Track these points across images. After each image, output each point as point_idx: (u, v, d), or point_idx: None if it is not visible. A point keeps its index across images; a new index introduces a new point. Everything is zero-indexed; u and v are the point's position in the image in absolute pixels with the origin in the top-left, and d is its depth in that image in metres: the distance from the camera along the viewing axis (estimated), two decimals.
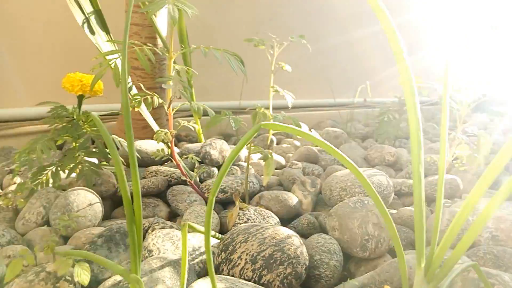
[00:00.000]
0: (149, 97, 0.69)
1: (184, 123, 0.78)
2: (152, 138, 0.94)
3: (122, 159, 0.74)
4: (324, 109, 1.77)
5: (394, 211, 0.73)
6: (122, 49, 0.38)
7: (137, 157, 0.84)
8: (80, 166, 0.69)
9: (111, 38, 0.80)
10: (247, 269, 0.48)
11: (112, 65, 0.65)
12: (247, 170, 0.75)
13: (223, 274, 0.49)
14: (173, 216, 0.73)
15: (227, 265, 0.49)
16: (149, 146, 0.90)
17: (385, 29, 0.32)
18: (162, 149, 0.75)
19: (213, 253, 0.53)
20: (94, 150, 0.72)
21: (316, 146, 1.27)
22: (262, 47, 1.19)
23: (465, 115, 0.89)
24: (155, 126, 0.86)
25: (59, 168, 0.70)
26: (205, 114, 0.76)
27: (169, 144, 0.74)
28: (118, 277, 0.45)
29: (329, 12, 1.77)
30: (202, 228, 0.51)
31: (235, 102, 1.50)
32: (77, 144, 0.70)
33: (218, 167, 0.89)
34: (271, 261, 0.48)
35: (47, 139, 0.69)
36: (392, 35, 0.32)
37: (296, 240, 0.51)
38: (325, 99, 1.76)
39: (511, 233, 0.56)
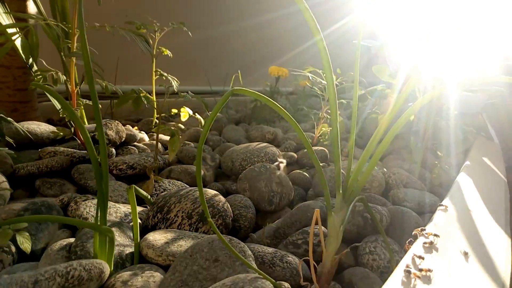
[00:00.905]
0: (53, 73, 0.66)
1: (86, 102, 0.77)
2: (22, 120, 0.88)
3: (11, 140, 0.70)
4: (202, 96, 1.85)
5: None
6: (82, 38, 0.40)
7: (30, 138, 0.79)
8: None
9: (7, 9, 0.73)
10: (184, 224, 0.54)
11: (16, 38, 0.61)
12: (156, 146, 0.79)
13: None
14: (82, 193, 0.72)
15: (164, 223, 0.54)
16: (35, 127, 0.84)
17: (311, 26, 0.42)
18: (63, 129, 0.73)
19: (146, 217, 0.57)
20: None
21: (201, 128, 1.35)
22: (144, 31, 1.21)
23: (326, 99, 1.10)
24: (57, 105, 0.81)
25: None
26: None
27: (72, 123, 0.73)
28: (64, 241, 0.47)
29: (211, 4, 1.86)
30: (143, 192, 0.55)
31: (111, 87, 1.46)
32: None
33: (116, 147, 0.90)
34: (205, 215, 0.55)
35: None
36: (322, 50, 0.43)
37: (221, 197, 0.60)
38: (202, 87, 1.84)
39: (373, 183, 0.76)
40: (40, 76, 0.63)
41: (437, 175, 0.90)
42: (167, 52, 1.23)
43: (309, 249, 0.41)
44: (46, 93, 0.83)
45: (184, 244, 0.46)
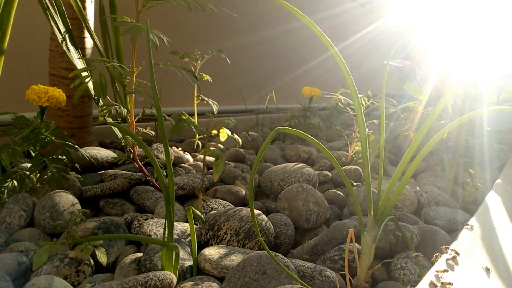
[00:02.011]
0: (116, 107, 0.77)
1: (143, 129, 0.87)
2: (79, 144, 0.99)
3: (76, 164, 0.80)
4: (237, 115, 1.95)
5: (323, 193, 0.93)
6: (151, 76, 0.49)
7: (92, 162, 0.90)
8: (49, 172, 0.74)
9: (81, 55, 0.85)
10: (233, 240, 0.61)
11: (88, 81, 0.72)
12: (203, 168, 0.88)
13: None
14: (140, 212, 0.81)
15: (215, 240, 0.62)
16: (96, 152, 0.95)
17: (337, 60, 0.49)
18: (122, 154, 0.83)
19: (199, 234, 0.65)
20: (59, 157, 0.77)
21: (242, 148, 1.43)
22: (186, 59, 1.32)
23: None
24: (118, 133, 0.91)
25: (23, 174, 0.73)
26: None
27: (131, 149, 0.83)
28: (133, 256, 0.55)
29: (244, 26, 1.96)
30: (198, 212, 0.63)
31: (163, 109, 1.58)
32: (37, 152, 0.74)
33: (165, 169, 0.99)
34: (250, 233, 0.62)
35: (11, 147, 0.72)
36: (342, 65, 0.49)
37: (264, 217, 0.67)
38: (238, 106, 1.94)
39: (405, 202, 0.80)
40: (106, 111, 0.73)
41: (470, 192, 0.93)
42: (207, 77, 1.33)
43: (345, 264, 0.47)
44: (112, 127, 0.93)
45: (235, 259, 0.53)
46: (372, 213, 0.49)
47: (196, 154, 1.26)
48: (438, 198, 0.89)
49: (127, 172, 0.88)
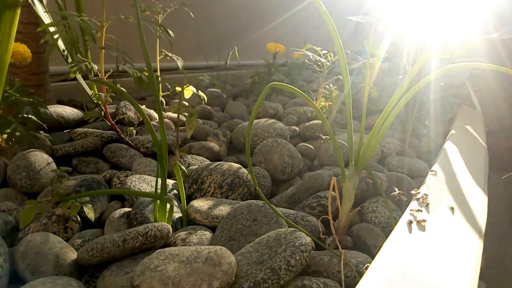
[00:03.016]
0: (87, 63, 0.73)
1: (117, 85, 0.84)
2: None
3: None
4: (198, 71, 1.92)
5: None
6: (139, 30, 0.47)
7: (59, 121, 0.86)
8: (17, 132, 0.70)
9: (46, 9, 0.79)
10: (217, 193, 0.64)
11: (58, 36, 0.67)
12: (178, 125, 0.87)
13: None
14: (116, 169, 0.80)
15: (199, 193, 0.64)
16: (61, 110, 0.91)
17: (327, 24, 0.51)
18: (93, 111, 0.81)
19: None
20: (26, 116, 0.73)
21: (208, 105, 1.43)
22: (148, 13, 1.26)
23: (325, 75, 1.19)
24: (88, 90, 0.88)
25: None
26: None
27: (102, 107, 0.80)
28: (121, 210, 0.56)
29: None
30: (183, 168, 0.64)
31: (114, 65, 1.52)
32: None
33: (134, 127, 0.98)
34: (233, 185, 0.65)
35: None
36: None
37: (244, 170, 0.69)
38: (198, 62, 1.90)
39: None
40: (76, 67, 0.70)
41: (426, 143, 1.01)
42: (170, 32, 1.29)
43: (328, 208, 0.51)
44: (85, 83, 0.89)
45: (223, 209, 0.56)
46: (353, 162, 0.52)
47: (164, 111, 1.24)
48: (398, 149, 0.96)
49: (96, 130, 0.86)
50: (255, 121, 0.98)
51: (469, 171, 0.71)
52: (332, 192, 0.58)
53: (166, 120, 1.15)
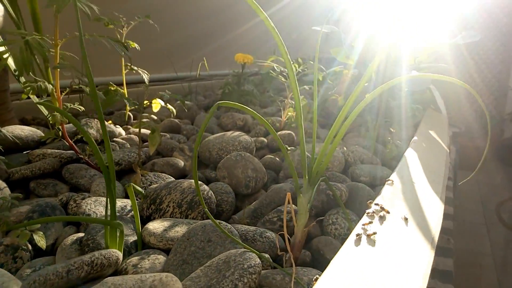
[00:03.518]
0: (41, 83, 0.71)
1: (71, 105, 0.82)
2: None
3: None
4: (168, 83, 1.90)
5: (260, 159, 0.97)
6: (81, 48, 0.46)
7: (17, 142, 0.84)
8: None
9: None
10: (176, 212, 0.63)
11: (8, 56, 0.65)
12: (139, 142, 0.86)
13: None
14: (74, 191, 0.78)
15: (158, 213, 0.63)
16: (19, 131, 0.89)
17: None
18: (50, 132, 0.78)
19: (141, 209, 0.65)
20: None
21: (177, 118, 1.41)
22: (111, 27, 1.24)
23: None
24: (44, 110, 0.85)
25: None
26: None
27: (58, 127, 0.78)
28: (74, 236, 0.54)
29: None
30: (139, 188, 0.63)
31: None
32: None
33: (97, 144, 0.96)
34: (193, 204, 0.64)
35: None
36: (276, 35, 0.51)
37: (205, 187, 0.68)
38: (167, 74, 1.88)
39: (335, 163, 0.87)
40: (29, 87, 0.68)
41: (390, 150, 1.02)
42: (135, 45, 1.28)
43: (284, 225, 0.51)
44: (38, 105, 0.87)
45: (179, 230, 0.55)
46: (307, 176, 0.52)
47: (129, 127, 1.22)
48: (362, 156, 0.97)
49: (56, 150, 0.84)
50: (221, 134, 0.98)
51: (428, 178, 0.73)
52: (289, 207, 0.58)
53: (132, 136, 1.13)
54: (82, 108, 0.83)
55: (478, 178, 3.55)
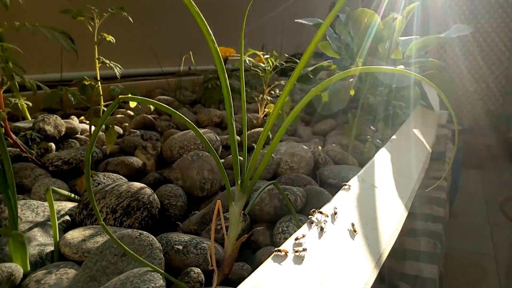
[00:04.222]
0: None
1: (15, 100, 0.77)
2: None
3: None
4: (152, 78, 1.85)
5: (223, 160, 0.91)
6: None
7: None
8: None
9: None
10: (109, 219, 0.57)
11: None
12: (91, 138, 0.80)
13: None
14: (19, 192, 0.73)
15: (90, 219, 0.57)
16: None
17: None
18: None
19: (74, 213, 0.60)
20: None
21: (150, 114, 1.36)
22: (81, 19, 1.18)
23: (269, 80, 1.13)
24: None
25: None
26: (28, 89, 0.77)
27: (2, 123, 0.73)
28: None
29: None
30: (65, 192, 0.58)
31: (56, 74, 1.44)
32: None
33: (55, 142, 0.91)
34: (129, 209, 0.58)
35: None
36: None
37: (148, 190, 0.63)
38: (152, 68, 1.83)
39: (301, 163, 0.80)
40: None
41: (368, 149, 0.96)
42: (110, 38, 1.22)
43: (211, 238, 0.45)
44: None
45: (100, 240, 0.49)
46: (239, 182, 0.46)
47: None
48: (337, 156, 0.90)
49: None
50: (184, 132, 0.92)
51: (396, 183, 0.66)
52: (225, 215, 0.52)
53: (101, 133, 1.08)
54: (30, 104, 0.78)
55: (483, 177, 3.45)
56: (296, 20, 1.28)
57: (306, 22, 1.27)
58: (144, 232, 0.46)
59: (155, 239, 0.46)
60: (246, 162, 0.48)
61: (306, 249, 0.40)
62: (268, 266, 0.36)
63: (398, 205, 0.58)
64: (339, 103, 1.23)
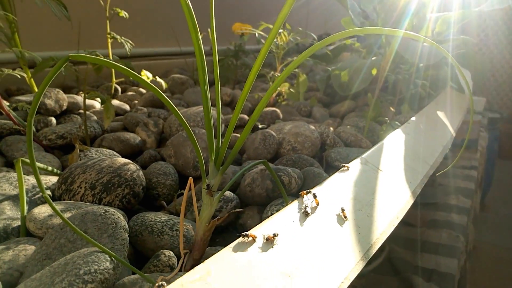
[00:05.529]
0: None
1: (8, 71, 0.75)
2: None
3: None
4: (171, 58, 1.81)
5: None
6: None
7: None
8: None
9: None
10: (87, 195, 0.54)
11: None
12: (84, 113, 0.78)
13: None
14: (11, 165, 0.72)
15: (67, 194, 0.54)
16: None
17: None
18: None
19: (54, 189, 0.57)
20: None
21: (164, 92, 1.33)
22: None
23: (281, 57, 1.06)
24: None
25: None
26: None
27: None
28: None
29: None
30: (40, 165, 0.54)
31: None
32: None
33: (55, 116, 0.89)
34: (109, 185, 0.55)
35: None
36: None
37: (132, 166, 0.59)
38: (171, 48, 1.79)
39: (305, 144, 0.74)
40: None
41: (384, 131, 0.88)
42: (123, 13, 1.19)
43: (180, 218, 0.40)
44: None
45: (68, 216, 0.46)
46: (213, 158, 0.41)
47: (117, 99, 1.15)
48: (350, 138, 0.83)
49: (0, 121, 0.77)
50: (185, 109, 0.87)
51: (406, 167, 0.59)
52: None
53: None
54: (23, 75, 0.75)
55: None
56: None
57: None
58: (110, 209, 0.42)
59: (121, 217, 0.42)
60: (220, 140, 0.42)
61: (277, 235, 0.34)
62: (226, 252, 0.31)
63: (404, 191, 0.51)
64: (360, 83, 1.15)
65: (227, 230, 0.56)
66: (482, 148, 1.78)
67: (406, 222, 1.08)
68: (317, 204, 0.42)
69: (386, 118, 0.94)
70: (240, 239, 0.34)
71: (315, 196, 0.42)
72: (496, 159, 2.65)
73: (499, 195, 2.85)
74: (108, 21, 1.19)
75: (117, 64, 0.36)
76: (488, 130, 2.20)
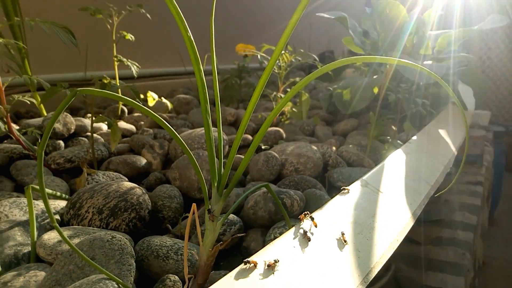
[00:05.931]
0: None
1: (18, 97, 0.77)
2: None
3: None
4: (176, 78, 1.85)
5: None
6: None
7: None
8: None
9: None
10: (95, 219, 0.55)
11: None
12: (92, 137, 0.80)
13: None
14: (21, 189, 0.74)
15: (76, 219, 0.56)
16: None
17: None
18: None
19: (63, 213, 0.58)
20: None
21: (169, 113, 1.35)
22: (100, 16, 1.19)
23: (283, 77, 1.08)
24: None
25: None
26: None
27: (4, 120, 0.74)
28: None
29: None
30: (49, 191, 0.56)
31: (80, 74, 1.47)
32: None
33: (63, 139, 0.91)
34: (116, 210, 0.56)
35: None
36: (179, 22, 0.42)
37: (138, 190, 0.60)
38: (176, 68, 1.83)
39: (307, 165, 0.75)
40: None
41: (387, 150, 0.89)
42: (129, 36, 1.22)
43: (185, 243, 0.41)
44: None
45: (77, 242, 0.47)
46: (215, 184, 0.43)
47: (123, 120, 1.17)
48: (352, 158, 0.85)
49: (11, 145, 0.80)
50: (189, 131, 0.89)
51: (406, 187, 0.60)
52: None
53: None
54: (33, 101, 0.78)
55: None
56: (317, 14, 1.22)
57: (328, 16, 1.21)
58: (117, 235, 0.44)
59: (127, 242, 0.43)
60: (222, 164, 0.44)
61: (277, 261, 0.35)
62: (228, 280, 0.32)
63: (404, 213, 0.52)
64: (359, 102, 1.17)
65: (231, 254, 0.57)
66: (488, 163, 1.77)
67: (411, 240, 1.08)
68: (316, 226, 0.43)
69: (388, 137, 0.95)
70: (241, 266, 0.35)
71: (312, 219, 0.43)
72: (504, 173, 2.63)
73: (509, 209, 2.82)
74: (114, 44, 1.23)
75: (121, 96, 0.37)
76: (494, 144, 2.19)
